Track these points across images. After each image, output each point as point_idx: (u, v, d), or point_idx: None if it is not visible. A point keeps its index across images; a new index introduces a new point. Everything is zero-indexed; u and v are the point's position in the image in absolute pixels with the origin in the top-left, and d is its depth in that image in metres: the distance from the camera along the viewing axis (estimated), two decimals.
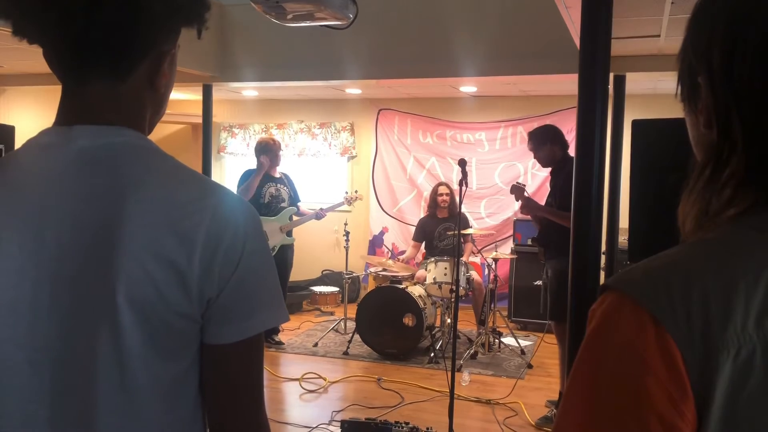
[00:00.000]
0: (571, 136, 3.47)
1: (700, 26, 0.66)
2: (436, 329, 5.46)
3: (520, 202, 4.20)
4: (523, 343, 5.55)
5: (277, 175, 5.57)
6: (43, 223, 0.83)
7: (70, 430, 0.82)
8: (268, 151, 5.45)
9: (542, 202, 4.35)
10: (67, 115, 0.88)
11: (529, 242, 5.52)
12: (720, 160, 0.63)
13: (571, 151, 3.67)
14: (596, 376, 0.60)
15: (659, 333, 0.56)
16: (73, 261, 0.81)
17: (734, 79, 0.62)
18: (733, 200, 0.62)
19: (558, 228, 3.89)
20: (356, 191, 6.06)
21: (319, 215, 5.64)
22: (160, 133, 8.12)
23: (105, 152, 0.85)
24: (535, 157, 4.25)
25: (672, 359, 0.56)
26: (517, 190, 4.20)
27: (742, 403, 0.55)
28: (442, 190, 5.93)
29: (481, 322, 5.53)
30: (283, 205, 5.51)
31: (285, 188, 5.57)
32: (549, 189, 4.31)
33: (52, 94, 0.92)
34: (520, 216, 6.07)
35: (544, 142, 4.10)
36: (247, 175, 5.51)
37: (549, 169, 4.26)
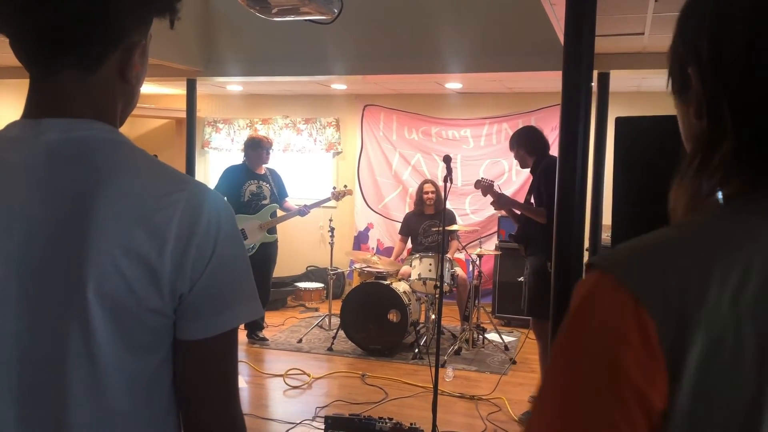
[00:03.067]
0: (555, 134, 3.49)
1: (689, 18, 0.68)
2: (421, 325, 5.47)
3: (489, 197, 4.20)
4: (507, 339, 5.58)
5: (262, 172, 5.50)
6: (11, 218, 0.80)
7: (40, 428, 0.81)
8: (255, 147, 5.43)
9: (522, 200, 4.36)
10: (35, 107, 0.85)
11: (508, 238, 5.52)
12: (710, 148, 0.65)
13: (554, 150, 3.68)
14: (575, 350, 0.62)
15: (638, 310, 0.58)
16: (42, 256, 0.79)
17: (722, 67, 0.64)
18: (722, 184, 0.64)
19: (537, 224, 3.91)
20: (345, 186, 5.86)
21: (302, 212, 5.52)
22: (143, 127, 8.05)
23: (75, 146, 0.83)
24: (515, 158, 4.27)
25: (648, 335, 0.58)
26: (484, 187, 4.19)
27: (712, 378, 0.57)
28: (428, 188, 5.91)
29: (465, 318, 5.55)
30: (264, 202, 5.43)
31: (267, 185, 5.48)
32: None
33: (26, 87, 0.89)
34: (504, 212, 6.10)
35: (519, 145, 4.14)
36: (229, 172, 5.47)
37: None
